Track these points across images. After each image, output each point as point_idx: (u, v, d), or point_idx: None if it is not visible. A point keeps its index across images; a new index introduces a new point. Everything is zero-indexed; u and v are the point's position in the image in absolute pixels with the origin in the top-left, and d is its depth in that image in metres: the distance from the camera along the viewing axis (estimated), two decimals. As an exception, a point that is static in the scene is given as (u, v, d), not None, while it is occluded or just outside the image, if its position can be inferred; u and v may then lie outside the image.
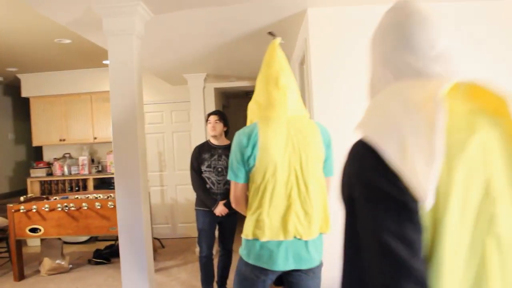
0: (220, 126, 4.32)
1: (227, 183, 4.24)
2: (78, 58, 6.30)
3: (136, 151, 2.95)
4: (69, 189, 7.35)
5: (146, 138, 6.78)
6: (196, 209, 4.38)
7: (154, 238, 6.56)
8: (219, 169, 4.26)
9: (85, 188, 7.31)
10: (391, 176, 0.86)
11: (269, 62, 2.38)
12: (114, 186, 7.12)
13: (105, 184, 7.46)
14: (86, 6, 2.93)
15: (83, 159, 7.30)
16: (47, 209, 5.15)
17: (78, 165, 7.33)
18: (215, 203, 4.21)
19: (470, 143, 0.87)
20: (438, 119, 0.84)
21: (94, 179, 7.31)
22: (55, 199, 5.65)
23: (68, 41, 5.22)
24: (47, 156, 7.82)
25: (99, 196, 5.66)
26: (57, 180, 7.37)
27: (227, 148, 4.32)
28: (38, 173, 7.39)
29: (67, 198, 5.64)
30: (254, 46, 4.47)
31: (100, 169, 7.51)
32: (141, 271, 2.98)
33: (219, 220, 4.32)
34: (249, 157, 2.23)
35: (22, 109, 8.22)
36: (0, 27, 4.50)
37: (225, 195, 4.24)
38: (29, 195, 5.86)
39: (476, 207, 0.86)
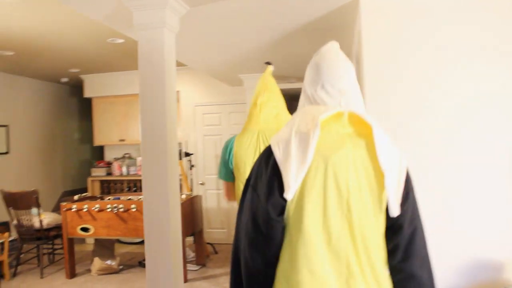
0: None
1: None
2: (134, 59, 6.26)
3: (165, 156, 2.72)
4: (127, 189, 7.37)
5: (203, 140, 6.64)
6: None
7: (208, 243, 6.38)
8: None
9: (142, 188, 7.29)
10: (272, 174, 1.28)
11: (256, 86, 3.01)
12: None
13: (162, 185, 7.40)
14: (117, 0, 2.74)
15: (141, 159, 7.28)
16: (97, 209, 5.11)
17: (136, 166, 7.33)
18: None
19: (335, 156, 1.26)
20: (313, 138, 1.24)
21: (151, 180, 7.26)
22: (109, 199, 5.62)
23: (120, 40, 5.15)
24: (108, 155, 7.92)
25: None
26: (116, 180, 7.42)
27: None
28: (98, 173, 7.48)
29: (119, 199, 5.59)
30: (309, 41, 4.13)
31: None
32: (166, 285, 2.75)
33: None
34: (227, 160, 2.71)
35: (86, 109, 8.40)
36: (59, 29, 4.50)
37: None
38: (83, 194, 5.89)
39: (334, 197, 1.26)
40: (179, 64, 6.58)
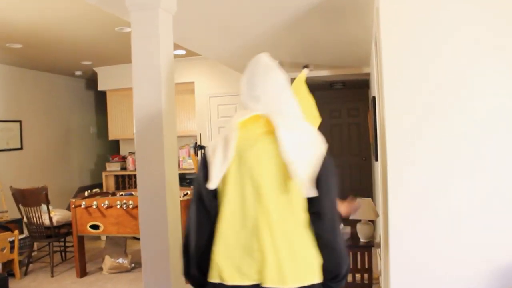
0: None
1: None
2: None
3: (161, 151, 2.46)
4: (142, 184, 7.17)
5: (218, 132, 6.37)
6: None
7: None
8: None
9: (157, 183, 7.09)
10: (206, 170, 1.65)
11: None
12: (188, 182, 6.86)
13: (181, 180, 7.17)
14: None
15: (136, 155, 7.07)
16: (106, 206, 4.91)
17: (151, 160, 7.13)
18: None
19: (250, 151, 1.60)
20: (232, 138, 1.60)
21: (167, 175, 7.05)
22: (121, 194, 5.42)
23: (128, 29, 4.90)
24: (124, 150, 7.74)
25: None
26: (131, 175, 7.24)
27: None
28: (113, 167, 7.31)
29: (131, 194, 5.38)
30: (325, 23, 3.79)
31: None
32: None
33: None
34: None
35: (102, 103, 8.24)
36: (65, 19, 4.29)
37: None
38: (94, 190, 5.70)
39: (249, 187, 1.60)
40: (192, 54, 6.32)
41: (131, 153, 7.41)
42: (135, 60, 2.51)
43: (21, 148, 6.82)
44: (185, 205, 4.74)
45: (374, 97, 4.21)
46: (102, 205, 4.93)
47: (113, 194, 5.63)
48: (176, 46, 5.65)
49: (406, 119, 2.20)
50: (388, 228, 2.13)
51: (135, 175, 7.05)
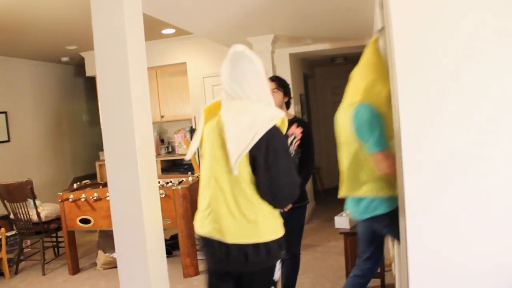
0: (279, 96, 3.36)
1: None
2: (133, 28, 5.64)
3: (133, 141, 2.10)
4: (137, 172, 6.85)
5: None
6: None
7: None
8: None
9: (153, 171, 6.75)
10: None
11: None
12: (186, 168, 6.53)
13: (176, 166, 6.86)
14: None
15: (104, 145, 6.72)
16: (95, 198, 4.58)
17: (145, 147, 6.78)
18: None
19: (211, 132, 2.02)
20: (200, 122, 2.10)
21: (163, 161, 6.72)
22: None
23: (109, 6, 4.52)
24: (117, 137, 7.40)
25: (166, 182, 4.98)
26: (126, 163, 6.90)
27: (290, 124, 3.36)
28: (107, 156, 6.96)
29: (122, 185, 5.05)
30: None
31: (170, 150, 6.91)
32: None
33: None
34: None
35: (92, 89, 7.87)
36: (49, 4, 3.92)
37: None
38: (84, 182, 5.37)
39: (212, 162, 1.98)
40: (183, 32, 5.92)
41: (125, 141, 7.06)
42: (97, 37, 2.14)
43: (8, 141, 6.49)
44: (183, 193, 4.42)
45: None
46: (91, 197, 4.60)
47: (105, 184, 5.30)
48: (164, 25, 5.25)
49: (423, 90, 1.80)
50: (405, 219, 1.78)
51: (130, 164, 6.72)
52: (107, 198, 4.54)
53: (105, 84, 2.18)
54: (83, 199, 4.64)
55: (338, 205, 7.31)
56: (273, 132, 1.95)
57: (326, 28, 4.82)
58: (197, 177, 4.89)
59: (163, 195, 4.38)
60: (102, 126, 2.24)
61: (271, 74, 5.16)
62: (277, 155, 1.94)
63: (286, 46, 5.79)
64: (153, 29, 5.68)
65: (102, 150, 6.83)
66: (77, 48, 6.37)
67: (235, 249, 1.95)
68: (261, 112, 1.97)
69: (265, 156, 1.92)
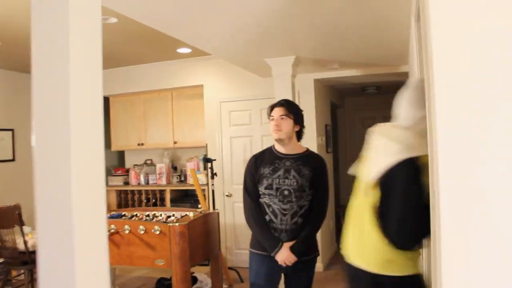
0: (288, 125, 2.80)
1: (297, 213, 2.71)
2: (147, 48, 5.24)
3: (68, 175, 1.56)
4: (145, 201, 6.36)
5: (230, 142, 5.53)
6: (250, 252, 2.90)
7: (230, 269, 5.21)
8: (286, 192, 2.73)
9: (162, 200, 6.25)
10: None
11: None
12: (196, 200, 5.99)
13: (187, 197, 6.34)
14: None
15: (161, 166, 6.25)
16: (86, 230, 4.08)
17: (156, 174, 6.30)
18: (277, 245, 2.70)
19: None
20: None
21: (173, 191, 6.21)
22: (108, 215, 4.60)
23: (114, 20, 4.12)
24: (129, 162, 6.97)
25: (167, 216, 4.47)
26: (134, 190, 6.43)
27: (300, 159, 2.79)
28: (116, 182, 6.53)
29: (120, 216, 4.56)
30: (358, 8, 2.86)
31: (182, 178, 6.41)
32: None
33: (283, 272, 2.80)
34: None
35: (106, 109, 7.51)
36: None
37: (294, 233, 2.71)
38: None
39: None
40: (201, 53, 5.47)
41: (136, 166, 6.62)
42: (34, 41, 1.64)
43: (13, 160, 6.14)
44: (181, 231, 3.87)
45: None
46: (80, 228, 4.10)
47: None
48: (180, 43, 4.82)
49: (465, 113, 1.22)
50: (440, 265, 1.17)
51: (139, 191, 6.25)
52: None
53: (39, 95, 1.67)
54: (72, 230, 4.14)
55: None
56: (401, 169, 1.81)
57: (355, 50, 4.26)
58: (201, 212, 4.34)
59: (158, 232, 3.84)
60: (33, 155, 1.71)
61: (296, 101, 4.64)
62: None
63: (311, 71, 5.25)
64: (168, 48, 5.27)
65: (111, 174, 6.40)
66: (90, 65, 6.01)
67: None
68: (394, 139, 1.93)
69: (391, 189, 1.85)
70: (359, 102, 8.20)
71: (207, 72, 5.85)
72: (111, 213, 4.76)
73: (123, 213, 4.74)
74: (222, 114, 5.80)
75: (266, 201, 2.77)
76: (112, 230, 3.99)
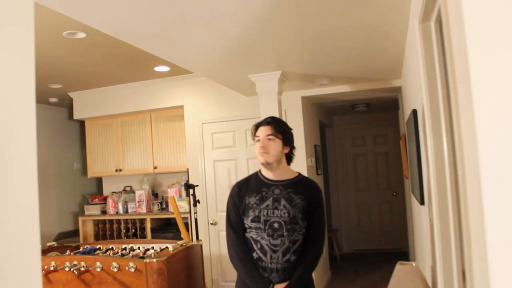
0: (276, 146, 2.45)
1: (290, 250, 2.32)
2: (122, 67, 4.88)
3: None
4: (125, 231, 5.91)
5: (214, 166, 5.15)
6: (235, 293, 2.51)
7: (217, 305, 4.77)
8: (275, 226, 2.35)
9: (143, 230, 5.81)
10: None
11: None
12: (176, 230, 5.56)
13: (170, 226, 5.90)
14: None
15: (140, 193, 5.83)
16: (52, 268, 3.65)
17: (135, 201, 5.88)
18: (265, 287, 2.30)
19: None
20: None
21: (154, 220, 5.78)
22: (77, 252, 4.16)
23: (82, 35, 3.77)
24: (107, 189, 6.53)
25: (146, 249, 4.06)
26: (112, 220, 5.99)
27: (291, 186, 2.42)
28: (92, 211, 6.09)
29: (92, 251, 4.13)
30: (349, 13, 2.54)
31: (164, 206, 5.99)
32: None
33: (274, 318, 2.40)
34: None
35: (82, 134, 7.10)
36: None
37: (286, 273, 2.32)
38: (50, 243, 4.42)
39: None
40: (180, 71, 5.14)
41: (114, 193, 6.18)
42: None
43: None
44: (159, 268, 3.45)
45: (414, 111, 2.91)
46: (47, 267, 3.67)
47: (75, 248, 4.37)
48: (157, 61, 4.48)
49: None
50: None
51: (117, 220, 5.80)
52: (66, 269, 3.60)
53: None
54: (37, 269, 3.70)
55: (358, 275, 6.20)
56: None
57: (345, 62, 3.95)
58: (181, 245, 3.92)
59: (133, 270, 3.42)
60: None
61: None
62: None
63: (298, 88, 4.93)
64: (145, 66, 4.92)
65: (87, 203, 5.96)
66: (62, 87, 5.63)
67: None
68: None
69: None
70: (349, 121, 7.91)
71: (188, 92, 5.50)
72: (84, 247, 4.33)
73: (97, 247, 4.33)
74: (204, 136, 5.43)
75: (253, 236, 2.39)
76: (82, 268, 3.56)
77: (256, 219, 2.37)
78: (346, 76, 4.48)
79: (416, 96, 2.92)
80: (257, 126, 2.49)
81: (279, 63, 3.85)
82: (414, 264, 2.60)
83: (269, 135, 2.42)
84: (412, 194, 3.82)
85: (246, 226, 2.43)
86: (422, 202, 2.86)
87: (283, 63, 3.87)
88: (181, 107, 5.54)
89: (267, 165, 2.43)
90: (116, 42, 3.95)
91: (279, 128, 2.46)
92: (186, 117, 5.50)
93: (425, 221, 2.93)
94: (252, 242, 2.39)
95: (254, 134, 2.49)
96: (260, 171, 2.55)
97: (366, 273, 6.37)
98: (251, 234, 2.40)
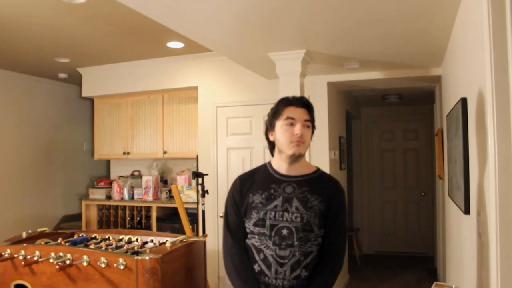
0: (309, 136, 1.98)
1: (301, 264, 1.84)
2: (131, 41, 4.44)
3: None
4: (129, 218, 5.52)
5: (227, 154, 4.74)
6: (230, 314, 2.05)
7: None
8: (284, 232, 1.87)
9: (149, 218, 5.41)
10: None
11: None
12: (191, 219, 5.11)
13: (177, 216, 5.45)
14: None
15: (148, 179, 5.41)
16: (36, 258, 3.26)
17: (142, 187, 5.47)
18: None
19: None
20: None
21: (160, 209, 5.36)
22: (68, 241, 3.77)
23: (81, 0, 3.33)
24: (114, 172, 6.16)
25: (140, 241, 3.66)
26: (116, 206, 5.61)
27: (308, 184, 1.94)
28: (97, 195, 5.72)
29: (86, 240, 3.74)
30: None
31: (172, 194, 5.56)
32: None
33: None
34: None
35: (90, 113, 6.74)
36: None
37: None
38: (41, 229, 4.03)
39: None
40: (195, 49, 4.68)
41: (121, 177, 5.79)
42: None
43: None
44: (152, 267, 3.01)
45: (464, 100, 2.38)
46: (30, 256, 3.28)
47: (69, 235, 3.99)
48: (170, 35, 4.04)
49: None
50: None
51: (122, 207, 5.43)
52: (51, 260, 3.20)
53: None
54: (21, 257, 3.32)
55: (379, 279, 5.68)
56: None
57: (381, 40, 3.37)
58: (182, 241, 3.47)
59: (122, 267, 3.00)
60: None
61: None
62: None
63: (324, 72, 4.40)
64: (156, 41, 4.48)
65: (93, 186, 5.61)
66: (69, 61, 5.23)
67: None
68: None
69: None
70: (378, 113, 7.33)
71: (203, 72, 5.03)
72: (79, 235, 3.95)
73: (93, 235, 3.95)
74: (218, 121, 4.96)
75: (256, 244, 1.91)
76: (68, 261, 3.15)
77: (260, 223, 1.89)
78: (380, 60, 3.93)
79: (467, 82, 2.39)
80: (286, 104, 1.98)
81: (304, 40, 3.33)
82: (454, 287, 2.08)
83: (307, 120, 1.93)
84: (450, 198, 3.29)
85: (247, 230, 1.95)
86: (466, 211, 2.34)
87: (308, 40, 3.35)
88: (195, 88, 5.08)
89: (296, 158, 1.94)
90: (121, 12, 3.52)
91: (313, 113, 1.98)
92: (200, 99, 5.03)
93: (468, 234, 2.42)
94: (254, 251, 1.91)
95: (279, 113, 1.97)
96: (270, 163, 2.07)
97: (388, 278, 5.85)
98: (252, 241, 1.92)
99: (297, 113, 1.92)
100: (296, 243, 1.85)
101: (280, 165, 1.99)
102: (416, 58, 3.88)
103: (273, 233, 1.87)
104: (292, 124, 1.91)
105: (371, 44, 3.42)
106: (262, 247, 1.89)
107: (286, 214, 1.88)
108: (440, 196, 5.01)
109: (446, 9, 2.63)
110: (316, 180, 1.98)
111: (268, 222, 1.88)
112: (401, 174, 7.27)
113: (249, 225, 1.93)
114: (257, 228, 1.90)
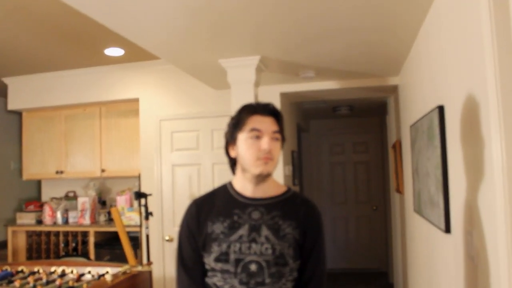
0: (279, 150, 1.63)
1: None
2: (63, 45, 3.97)
3: None
4: (64, 245, 4.96)
5: (172, 172, 4.33)
6: None
7: None
8: (253, 268, 1.53)
9: (85, 245, 4.87)
10: None
11: None
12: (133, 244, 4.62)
13: (118, 241, 4.94)
14: None
15: (84, 201, 4.90)
16: None
17: (78, 210, 4.94)
18: None
19: None
20: None
21: (98, 234, 4.85)
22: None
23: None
24: (46, 194, 5.56)
25: (76, 273, 3.18)
26: (49, 232, 5.02)
27: (278, 207, 1.60)
28: (26, 219, 5.11)
29: (9, 275, 3.22)
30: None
31: (112, 216, 5.05)
32: None
33: None
34: None
35: (18, 128, 6.10)
36: None
37: None
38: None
39: None
40: (136, 57, 4.28)
41: (54, 199, 5.22)
42: None
43: None
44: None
45: (441, 108, 2.16)
46: None
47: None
48: (108, 41, 3.62)
49: None
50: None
51: (55, 232, 4.86)
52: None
53: None
54: None
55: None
56: None
57: (340, 48, 3.14)
58: (125, 273, 3.03)
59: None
60: None
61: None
62: None
63: (277, 82, 4.13)
64: (93, 47, 4.03)
65: (21, 210, 5.00)
66: (-7, 70, 4.66)
67: None
68: None
69: None
70: (327, 125, 7.17)
71: (144, 83, 4.62)
72: (2, 269, 3.40)
73: (19, 269, 3.42)
74: (162, 135, 4.55)
75: (218, 284, 1.55)
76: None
77: (223, 257, 1.54)
78: (337, 69, 3.70)
79: (444, 89, 2.17)
80: (251, 112, 1.64)
81: (259, 45, 3.03)
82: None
83: (276, 132, 1.60)
84: (418, 215, 3.07)
85: (207, 267, 1.59)
86: (447, 230, 2.11)
87: (264, 46, 3.06)
88: (136, 100, 4.66)
89: (263, 177, 1.61)
90: (52, 13, 3.08)
91: (282, 122, 1.65)
92: (142, 112, 4.61)
93: (450, 254, 2.17)
94: (215, 291, 1.55)
95: (242, 123, 1.64)
96: (231, 183, 1.72)
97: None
98: (214, 280, 1.56)
99: (264, 123, 1.59)
100: (267, 280, 1.51)
101: (244, 186, 1.65)
102: (374, 67, 3.70)
103: (239, 270, 1.52)
104: (258, 137, 1.57)
105: (330, 52, 3.17)
106: (226, 287, 1.53)
107: (254, 245, 1.54)
108: (397, 211, 4.85)
109: (409, 25, 2.45)
110: (288, 203, 1.65)
111: (232, 256, 1.53)
112: (352, 188, 7.12)
113: (209, 261, 1.57)
114: (219, 264, 1.54)
